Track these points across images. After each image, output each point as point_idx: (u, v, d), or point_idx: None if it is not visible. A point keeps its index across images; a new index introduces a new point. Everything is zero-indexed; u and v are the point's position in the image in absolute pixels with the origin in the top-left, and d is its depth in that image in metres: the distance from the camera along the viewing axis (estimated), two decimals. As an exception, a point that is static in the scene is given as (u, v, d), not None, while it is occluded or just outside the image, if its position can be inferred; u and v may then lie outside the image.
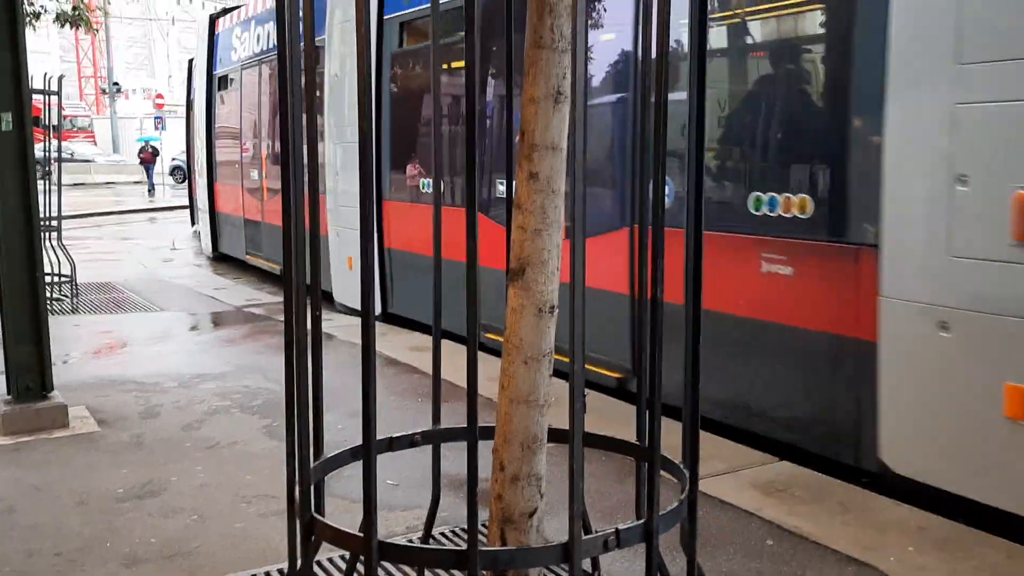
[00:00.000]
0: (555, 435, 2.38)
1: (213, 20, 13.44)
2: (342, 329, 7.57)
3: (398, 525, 3.84)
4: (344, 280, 8.88)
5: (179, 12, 67.34)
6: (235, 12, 12.85)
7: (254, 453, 4.73)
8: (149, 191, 29.63)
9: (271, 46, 10.62)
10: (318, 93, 8.97)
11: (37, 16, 11.21)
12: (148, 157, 30.26)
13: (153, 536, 3.71)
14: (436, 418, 2.66)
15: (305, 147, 2.13)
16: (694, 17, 2.16)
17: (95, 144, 41.93)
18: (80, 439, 4.93)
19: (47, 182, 9.64)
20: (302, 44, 2.10)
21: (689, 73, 2.19)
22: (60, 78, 9.38)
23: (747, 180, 4.84)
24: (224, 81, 13.05)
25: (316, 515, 2.09)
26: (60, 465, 4.53)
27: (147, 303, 9.69)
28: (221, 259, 13.68)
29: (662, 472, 2.28)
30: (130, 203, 26.64)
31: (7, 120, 4.92)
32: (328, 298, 8.94)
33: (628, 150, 5.58)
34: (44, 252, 7.37)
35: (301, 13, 2.07)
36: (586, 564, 2.93)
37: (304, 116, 2.06)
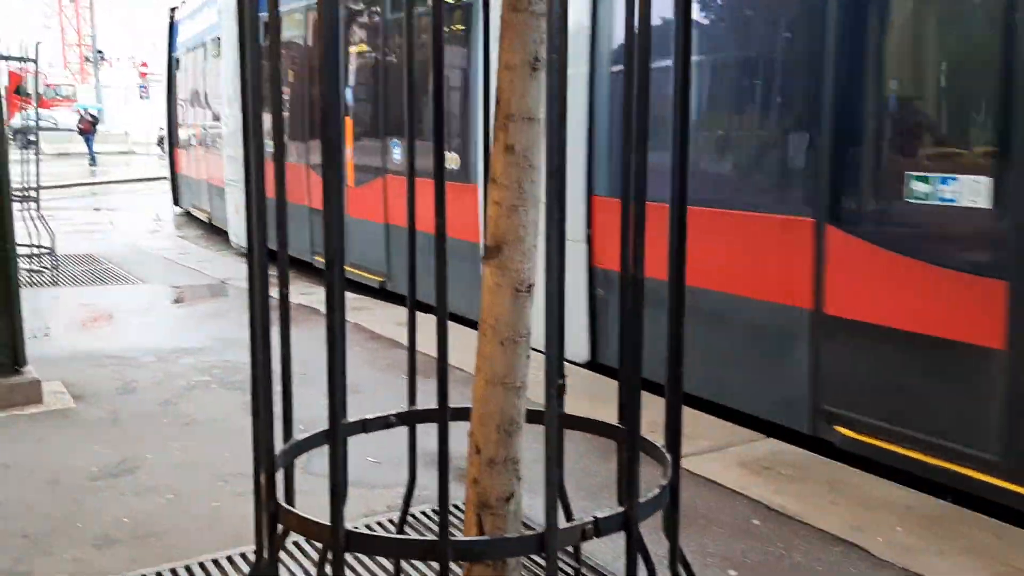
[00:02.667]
0: (534, 416, 2.30)
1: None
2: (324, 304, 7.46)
3: (378, 503, 3.76)
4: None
5: (164, -21, 66.21)
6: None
7: (233, 430, 4.64)
8: (90, 163, 28.18)
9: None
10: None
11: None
12: (87, 127, 28.79)
13: (126, 516, 3.62)
14: (412, 399, 2.57)
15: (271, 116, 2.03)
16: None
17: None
18: (54, 415, 4.83)
19: (26, 152, 9.48)
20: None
21: (675, 42, 2.08)
22: (37, 45, 9.17)
23: None
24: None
25: (282, 503, 2.00)
26: (32, 442, 4.43)
27: (128, 275, 9.55)
28: (207, 232, 13.69)
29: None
30: (113, 174, 26.37)
31: (-26, 88, 4.77)
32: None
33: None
34: (23, 223, 7.26)
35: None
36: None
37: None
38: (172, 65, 16.15)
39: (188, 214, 16.23)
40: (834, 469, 4.10)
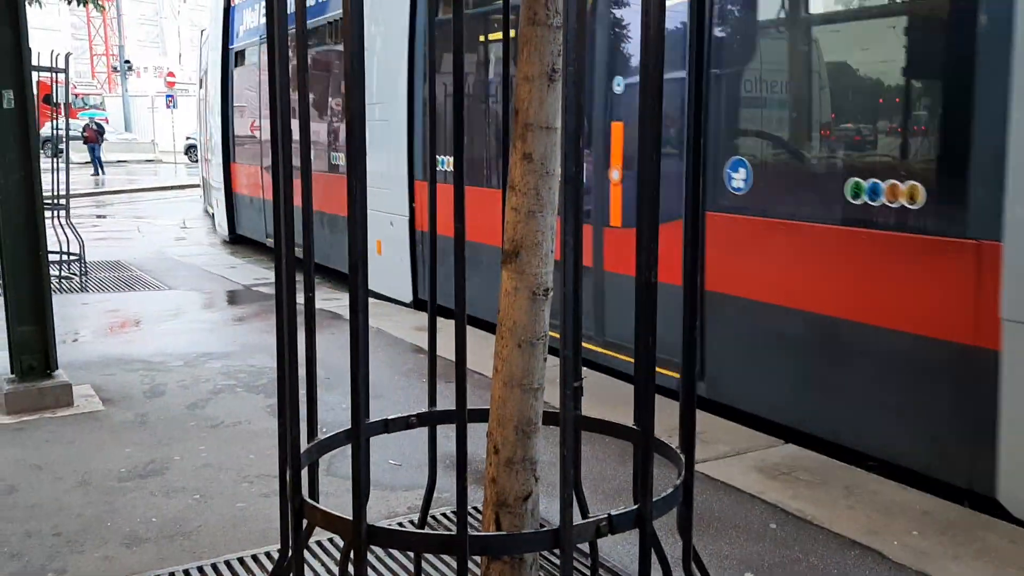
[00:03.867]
0: (551, 418, 2.35)
1: None
2: (347, 309, 7.55)
3: (400, 505, 3.83)
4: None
5: (191, -10, 67.12)
6: None
7: (257, 432, 4.73)
8: (95, 172, 28.20)
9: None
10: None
11: (44, -8, 11.16)
12: (92, 136, 28.97)
13: (154, 516, 3.71)
14: (432, 400, 2.64)
15: (298, 124, 2.10)
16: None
17: (107, 122, 41.98)
18: (84, 418, 4.94)
19: (56, 160, 9.66)
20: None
21: (688, 53, 2.14)
22: (67, 56, 9.34)
23: None
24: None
25: (307, 499, 2.07)
26: (63, 444, 4.54)
27: (156, 282, 9.70)
28: (235, 240, 13.63)
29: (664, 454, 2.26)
30: (142, 181, 26.69)
31: (8, 97, 4.90)
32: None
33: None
34: (53, 230, 7.41)
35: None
36: (585, 546, 2.92)
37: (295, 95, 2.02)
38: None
39: (239, 238, 13.54)
40: (852, 474, 4.12)
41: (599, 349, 5.85)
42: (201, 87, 16.69)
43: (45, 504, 3.82)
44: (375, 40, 8.27)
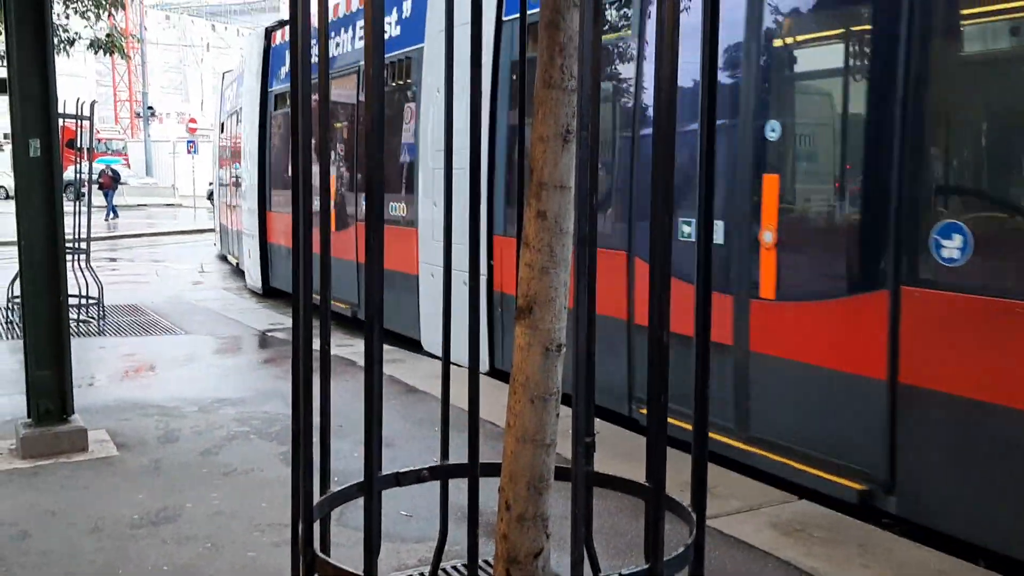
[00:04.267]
0: (563, 473, 2.36)
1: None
2: (362, 356, 7.57)
3: (410, 557, 3.81)
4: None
5: (214, 38, 68.49)
6: None
7: (270, 480, 4.73)
8: (107, 216, 28.69)
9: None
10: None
11: (71, 43, 11.42)
12: (107, 182, 29.88)
13: (166, 564, 3.71)
14: (444, 453, 2.65)
15: (318, 168, 2.15)
16: (705, 50, 2.15)
17: (128, 167, 42.58)
18: (98, 463, 4.96)
19: (78, 204, 9.80)
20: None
21: (700, 103, 2.18)
22: (92, 104, 9.53)
23: None
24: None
25: (319, 552, 2.08)
26: (77, 490, 4.55)
27: (172, 326, 9.77)
28: (269, 294, 13.36)
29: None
30: (160, 225, 26.97)
31: (35, 146, 5.00)
32: (414, 345, 8.22)
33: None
34: (72, 274, 7.50)
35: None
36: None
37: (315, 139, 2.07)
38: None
39: (225, 260, 15.95)
40: (866, 532, 4.08)
41: (741, 445, 4.94)
42: (222, 131, 16.69)
43: (58, 550, 3.83)
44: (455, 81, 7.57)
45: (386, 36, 8.45)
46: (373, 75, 1.91)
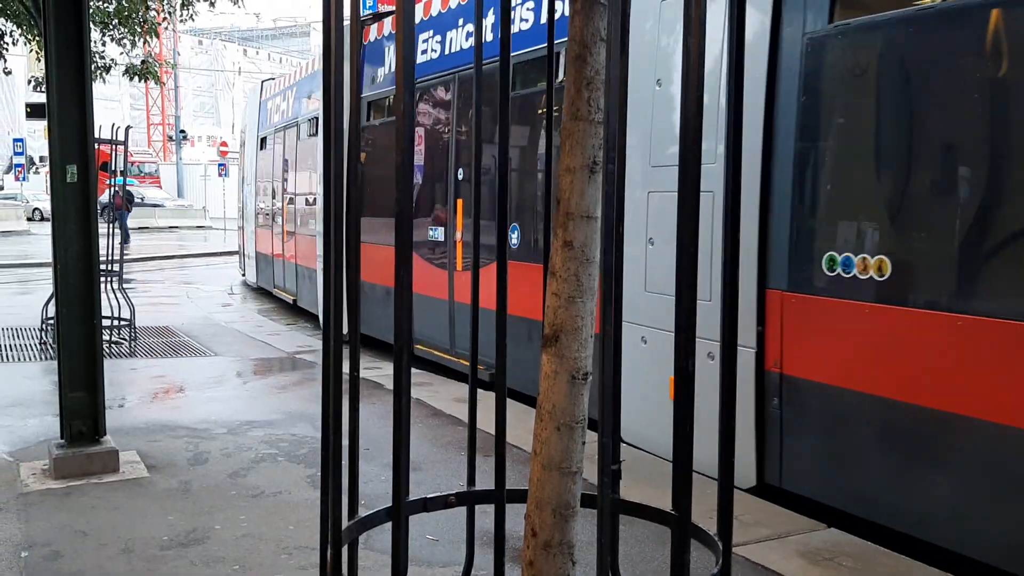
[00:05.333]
0: (589, 500, 2.37)
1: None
2: (389, 378, 7.61)
3: (436, 582, 3.82)
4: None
5: (245, 63, 69.49)
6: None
7: (297, 503, 4.77)
8: (121, 239, 28.90)
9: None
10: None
11: (108, 69, 11.66)
12: (120, 203, 30.06)
13: (194, 586, 3.75)
14: (471, 479, 2.67)
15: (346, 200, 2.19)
16: (732, 73, 2.18)
17: (160, 188, 43.22)
18: (129, 484, 5.02)
19: (111, 227, 9.98)
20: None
21: (726, 130, 2.20)
22: (127, 129, 9.72)
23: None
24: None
25: (347, 577, 2.10)
26: (108, 510, 4.61)
27: (202, 347, 9.87)
28: (278, 305, 13.76)
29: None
30: (191, 247, 27.30)
31: (72, 172, 5.11)
32: (441, 369, 8.21)
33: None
34: (105, 296, 7.63)
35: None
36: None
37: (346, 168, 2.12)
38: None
39: (283, 304, 13.60)
40: (896, 561, 4.03)
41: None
42: (262, 148, 14.99)
43: (88, 571, 3.87)
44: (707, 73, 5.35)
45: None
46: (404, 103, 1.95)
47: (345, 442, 2.22)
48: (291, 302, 13.25)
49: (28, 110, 17.42)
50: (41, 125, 23.45)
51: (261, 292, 15.77)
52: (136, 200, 34.70)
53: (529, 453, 2.33)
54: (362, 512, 2.41)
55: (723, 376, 2.19)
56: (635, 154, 5.51)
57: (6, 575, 3.83)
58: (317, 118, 10.78)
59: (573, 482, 2.23)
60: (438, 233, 8.46)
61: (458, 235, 8.04)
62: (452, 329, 8.16)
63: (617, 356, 1.92)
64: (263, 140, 14.79)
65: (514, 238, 7.10)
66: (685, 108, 2.08)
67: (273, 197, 14.27)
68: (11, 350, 9.41)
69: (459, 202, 8.14)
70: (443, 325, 8.18)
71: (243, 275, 17.28)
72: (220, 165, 33.85)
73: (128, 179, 10.97)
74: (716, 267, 3.38)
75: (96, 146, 6.32)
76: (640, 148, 5.54)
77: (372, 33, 9.91)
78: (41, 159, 44.83)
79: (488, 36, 7.21)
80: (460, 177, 8.12)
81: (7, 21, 11.69)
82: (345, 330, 2.20)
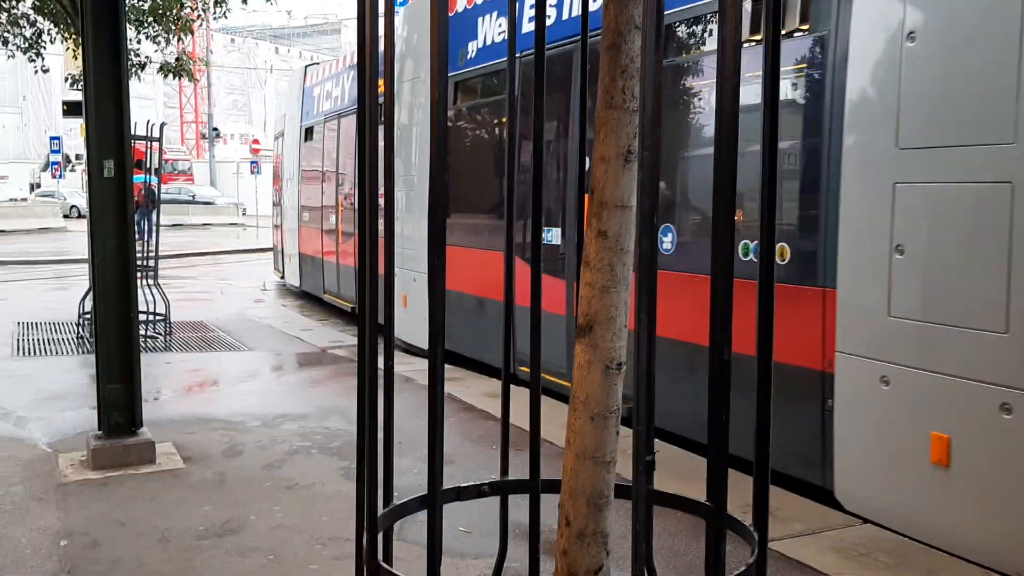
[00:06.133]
0: (623, 491, 2.37)
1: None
2: (420, 373, 7.65)
3: (469, 573, 3.84)
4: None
5: (277, 61, 70.01)
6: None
7: (331, 495, 4.80)
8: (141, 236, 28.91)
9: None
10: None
11: (143, 66, 11.79)
12: (141, 200, 30.23)
13: (230, 575, 3.79)
14: (504, 469, 2.67)
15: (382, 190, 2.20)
16: (768, 65, 2.15)
17: (191, 181, 43.74)
18: (165, 475, 5.08)
19: (146, 223, 10.10)
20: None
21: (762, 121, 2.19)
22: (162, 126, 9.83)
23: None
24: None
25: (383, 564, 2.12)
26: (145, 501, 4.67)
27: (236, 342, 9.97)
28: (309, 301, 13.90)
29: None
30: (224, 244, 27.56)
31: (109, 167, 5.18)
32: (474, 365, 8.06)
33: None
34: (140, 291, 7.73)
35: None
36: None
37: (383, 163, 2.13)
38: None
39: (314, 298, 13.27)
40: (934, 557, 3.99)
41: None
42: (308, 139, 13.66)
43: (126, 560, 3.93)
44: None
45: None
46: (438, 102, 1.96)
47: (380, 433, 2.24)
48: (350, 311, 11.48)
49: (65, 108, 17.68)
50: (77, 123, 23.80)
51: (295, 290, 15.45)
52: (189, 197, 35.64)
53: (561, 448, 2.33)
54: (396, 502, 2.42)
55: (760, 368, 2.18)
56: (870, 133, 4.38)
57: (46, 564, 3.89)
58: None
59: (607, 472, 2.23)
60: (552, 236, 6.92)
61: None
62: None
63: (651, 345, 1.91)
64: (308, 130, 13.42)
65: (667, 241, 5.82)
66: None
67: (323, 193, 12.81)
68: (49, 344, 9.56)
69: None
70: (561, 346, 6.43)
71: (281, 277, 15.93)
72: (252, 163, 34.14)
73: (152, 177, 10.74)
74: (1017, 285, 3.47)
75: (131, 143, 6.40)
76: (879, 124, 4.30)
77: (460, 3, 8.35)
78: (77, 157, 45.47)
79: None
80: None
81: (45, 20, 11.85)
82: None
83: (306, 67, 13.99)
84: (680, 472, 4.63)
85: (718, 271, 2.09)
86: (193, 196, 38.92)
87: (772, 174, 2.16)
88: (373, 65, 2.19)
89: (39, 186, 46.72)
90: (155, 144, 9.71)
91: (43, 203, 35.75)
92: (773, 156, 2.16)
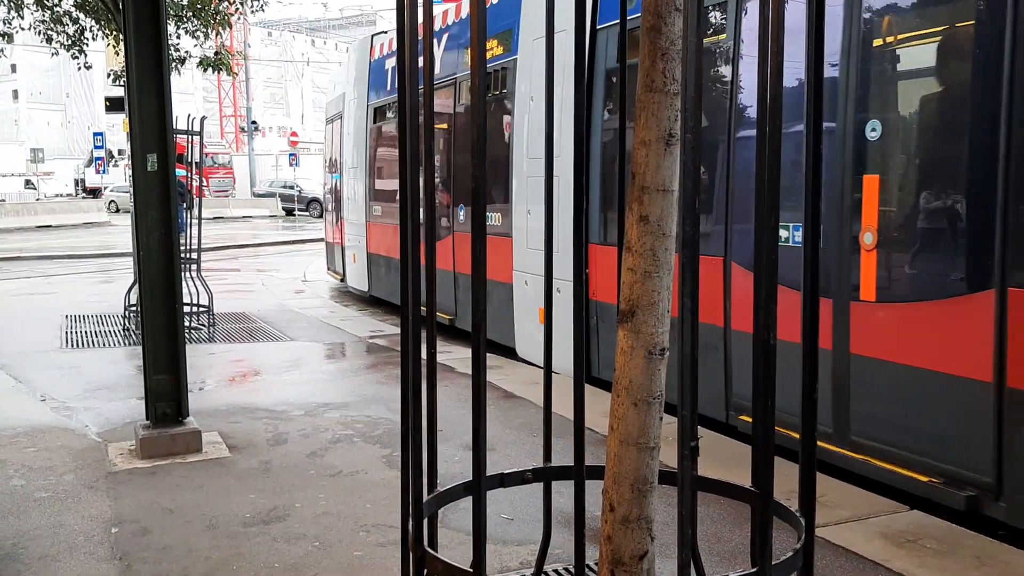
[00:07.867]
0: (667, 477, 2.36)
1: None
2: (460, 361, 7.68)
3: (512, 560, 3.85)
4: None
5: (314, 54, 70.41)
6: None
7: (374, 482, 4.85)
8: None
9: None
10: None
11: (182, 61, 11.95)
12: (198, 193, 30.21)
13: (277, 561, 3.84)
14: (547, 456, 2.67)
15: (422, 181, 2.21)
16: (811, 48, 2.13)
17: (229, 177, 44.18)
18: (212, 464, 5.16)
19: (188, 215, 10.24)
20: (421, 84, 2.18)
21: (805, 110, 2.16)
22: (202, 120, 9.94)
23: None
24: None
25: (428, 549, 2.13)
26: (192, 489, 4.75)
27: (278, 333, 10.08)
28: (350, 294, 13.96)
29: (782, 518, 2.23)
30: (265, 236, 27.84)
31: (152, 160, 5.25)
32: (510, 353, 8.26)
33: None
34: (184, 283, 7.84)
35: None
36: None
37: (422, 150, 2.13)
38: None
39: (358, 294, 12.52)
40: (983, 544, 3.93)
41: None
42: (375, 120, 11.82)
43: (175, 546, 4.00)
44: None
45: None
46: (478, 86, 1.96)
47: (424, 420, 2.25)
48: (447, 323, 9.68)
49: (107, 104, 17.89)
50: (120, 119, 24.13)
51: (362, 295, 13.24)
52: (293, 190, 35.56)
53: (603, 435, 2.33)
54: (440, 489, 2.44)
55: (805, 352, 2.16)
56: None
57: (98, 550, 3.98)
58: (504, 69, 8.23)
59: (651, 457, 2.22)
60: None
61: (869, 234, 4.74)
62: (728, 375, 5.64)
63: (695, 330, 1.90)
64: (378, 110, 11.70)
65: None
66: None
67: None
68: (97, 336, 9.74)
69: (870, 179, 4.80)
70: (717, 371, 5.67)
71: (340, 279, 14.19)
72: (291, 155, 34.44)
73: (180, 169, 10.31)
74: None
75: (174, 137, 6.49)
76: None
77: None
78: (120, 152, 46.18)
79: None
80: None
81: (87, 17, 12.04)
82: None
83: (372, 36, 12.11)
84: (718, 457, 4.61)
85: (761, 257, 2.07)
86: (299, 190, 38.17)
87: (817, 158, 2.14)
88: (412, 53, 2.20)
89: (84, 182, 47.56)
90: (195, 138, 9.83)
91: (88, 198, 36.38)
92: (818, 141, 2.14)
